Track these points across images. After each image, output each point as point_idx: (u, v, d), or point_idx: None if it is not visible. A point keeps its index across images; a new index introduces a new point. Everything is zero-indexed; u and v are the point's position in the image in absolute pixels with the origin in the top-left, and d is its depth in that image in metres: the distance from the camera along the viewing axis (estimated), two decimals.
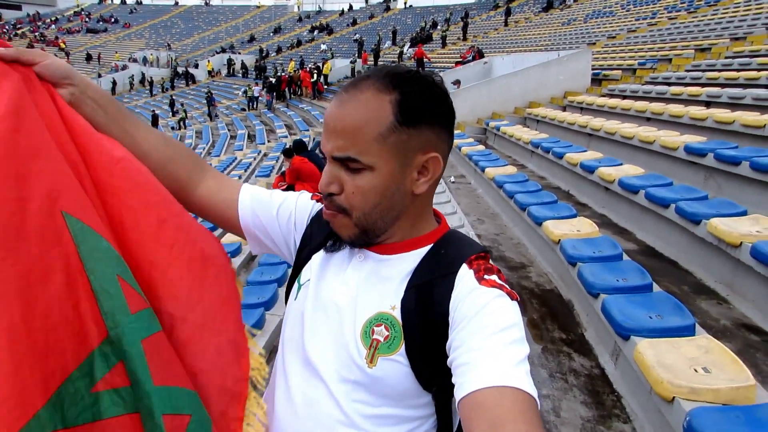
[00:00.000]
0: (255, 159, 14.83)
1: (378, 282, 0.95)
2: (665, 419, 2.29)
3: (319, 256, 1.04)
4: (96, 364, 0.75)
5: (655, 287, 3.25)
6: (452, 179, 8.60)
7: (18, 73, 0.81)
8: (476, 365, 0.77)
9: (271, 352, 3.82)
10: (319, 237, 1.07)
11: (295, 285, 1.06)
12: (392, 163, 0.88)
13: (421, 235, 0.97)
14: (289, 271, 1.14)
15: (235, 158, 15.64)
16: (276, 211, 1.11)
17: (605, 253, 3.77)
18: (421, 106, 0.88)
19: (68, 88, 0.91)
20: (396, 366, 0.88)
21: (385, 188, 0.89)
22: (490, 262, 0.95)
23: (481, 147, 9.27)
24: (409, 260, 0.95)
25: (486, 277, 0.88)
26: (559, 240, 4.13)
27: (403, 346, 0.88)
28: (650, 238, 4.85)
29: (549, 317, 3.80)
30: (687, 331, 2.62)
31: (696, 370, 2.29)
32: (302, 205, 1.12)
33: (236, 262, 5.83)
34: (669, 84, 9.90)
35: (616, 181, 5.44)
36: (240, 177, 12.83)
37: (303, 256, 1.08)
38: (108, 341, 0.76)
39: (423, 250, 0.96)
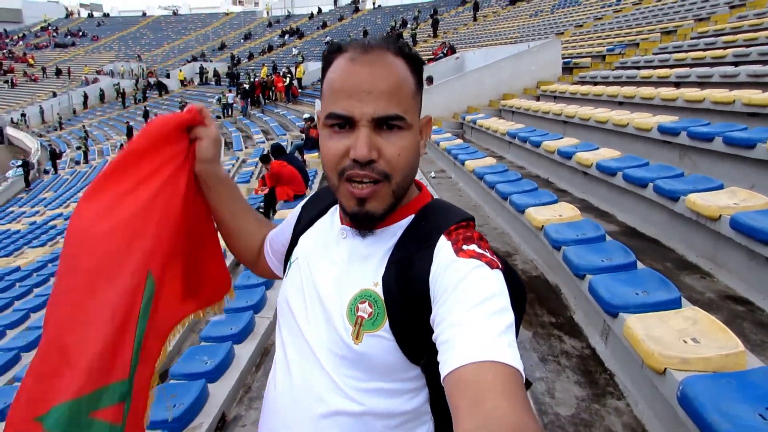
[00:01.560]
0: (233, 166, 14.69)
1: (361, 259, 0.95)
2: (658, 391, 2.31)
3: (307, 237, 1.08)
4: (105, 395, 0.90)
5: (639, 265, 3.29)
6: (432, 174, 8.61)
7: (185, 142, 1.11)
8: (456, 342, 0.76)
9: (263, 354, 3.80)
10: (306, 219, 1.11)
11: (288, 264, 1.10)
12: (417, 122, 0.93)
13: (401, 207, 0.96)
14: None
15: None
16: (275, 239, 1.22)
17: (588, 235, 3.80)
18: (420, 73, 0.95)
19: (204, 166, 1.15)
20: (381, 341, 0.89)
21: (416, 147, 0.92)
22: (474, 229, 0.95)
23: (458, 141, 9.31)
24: (391, 234, 0.95)
25: (465, 247, 0.87)
26: (542, 226, 4.15)
27: (387, 322, 0.89)
28: (631, 219, 4.91)
29: (537, 302, 3.83)
30: (673, 304, 2.65)
31: (685, 341, 2.32)
32: (294, 212, 1.19)
33: None
34: (638, 68, 10.06)
35: (594, 165, 5.50)
36: None
37: (293, 239, 1.13)
38: (122, 383, 0.93)
39: (404, 223, 0.96)
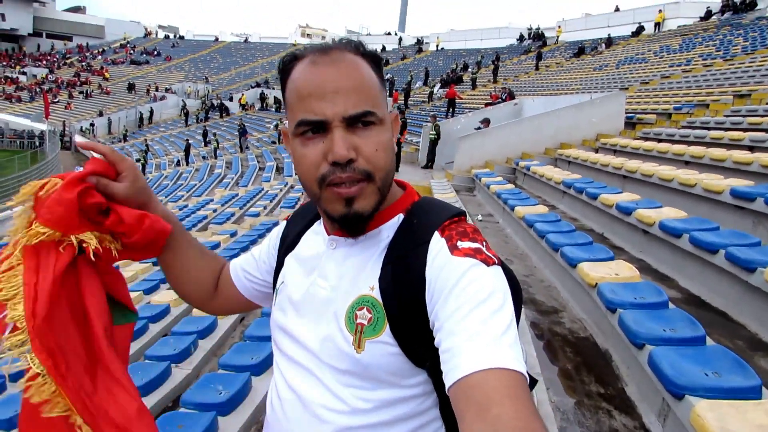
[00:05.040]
0: (281, 190, 14.83)
1: (354, 265, 0.93)
2: None
3: (293, 256, 1.05)
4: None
5: (708, 341, 2.90)
6: (479, 217, 8.32)
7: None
8: (457, 351, 0.74)
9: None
10: (291, 237, 1.08)
11: (276, 289, 1.07)
12: (387, 117, 0.90)
13: (386, 207, 0.94)
14: None
15: (262, 189, 15.70)
16: (259, 259, 1.15)
17: (648, 300, 3.42)
18: (381, 70, 0.93)
19: (126, 182, 1.01)
20: (383, 347, 0.87)
21: (391, 142, 0.89)
22: (467, 221, 0.93)
23: (510, 186, 9.01)
24: (381, 235, 0.93)
25: (460, 244, 0.85)
26: (596, 284, 3.80)
27: (388, 327, 0.87)
28: (695, 286, 4.47)
29: (584, 368, 3.45)
30: (752, 393, 2.27)
31: None
32: (276, 231, 1.15)
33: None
34: (708, 128, 9.56)
35: (657, 223, 5.09)
36: (265, 207, 12.84)
37: (279, 260, 1.09)
38: None
39: (394, 222, 0.94)
